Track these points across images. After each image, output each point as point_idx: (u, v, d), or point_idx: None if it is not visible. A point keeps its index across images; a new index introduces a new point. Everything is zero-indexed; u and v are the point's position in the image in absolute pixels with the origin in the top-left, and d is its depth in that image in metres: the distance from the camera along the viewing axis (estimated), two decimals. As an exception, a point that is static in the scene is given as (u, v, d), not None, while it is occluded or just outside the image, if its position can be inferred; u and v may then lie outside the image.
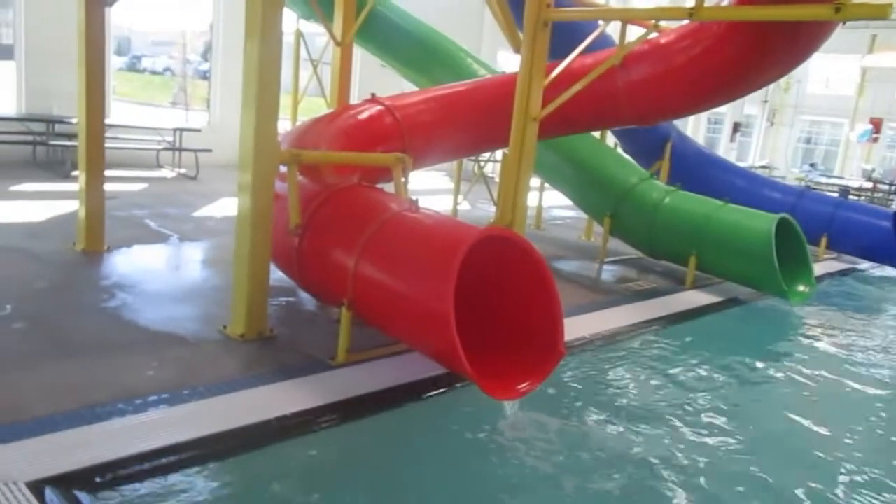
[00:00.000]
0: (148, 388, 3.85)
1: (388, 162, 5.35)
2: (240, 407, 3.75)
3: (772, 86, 25.49)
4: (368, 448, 3.77)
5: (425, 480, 3.53)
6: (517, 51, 6.06)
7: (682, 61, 6.49)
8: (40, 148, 10.28)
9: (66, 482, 2.98)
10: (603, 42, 7.60)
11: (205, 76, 17.16)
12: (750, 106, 25.26)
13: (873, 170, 21.43)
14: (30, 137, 9.94)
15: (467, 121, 7.09)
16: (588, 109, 6.92)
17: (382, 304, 4.31)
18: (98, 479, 3.03)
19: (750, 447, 4.32)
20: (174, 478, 3.14)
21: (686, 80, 6.54)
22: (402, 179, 5.37)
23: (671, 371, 5.42)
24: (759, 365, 5.89)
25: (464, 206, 10.75)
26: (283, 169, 4.97)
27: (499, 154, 11.27)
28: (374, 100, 6.82)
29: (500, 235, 4.27)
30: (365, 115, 6.63)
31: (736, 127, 23.32)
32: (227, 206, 8.77)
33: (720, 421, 4.63)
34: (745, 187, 10.58)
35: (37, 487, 2.89)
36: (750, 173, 11.85)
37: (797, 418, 4.89)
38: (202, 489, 3.14)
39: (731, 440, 4.38)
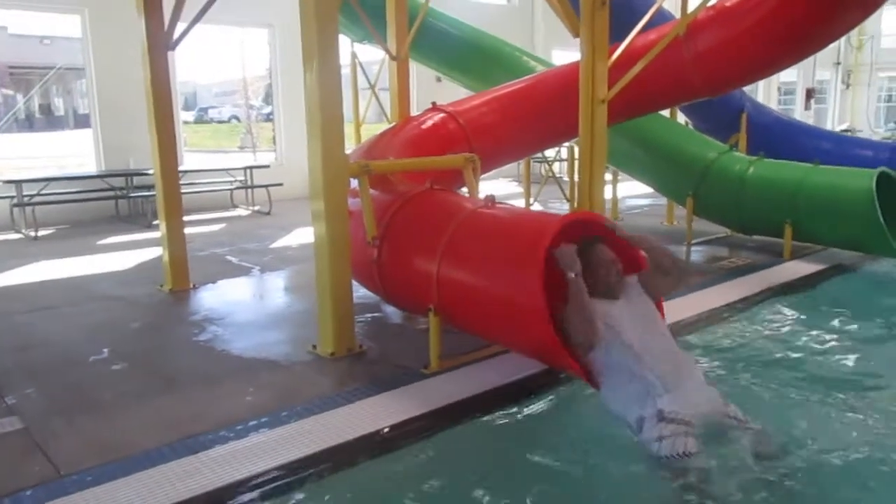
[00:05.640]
0: (247, 413, 3.82)
1: (458, 163, 5.25)
2: (340, 423, 3.67)
3: (843, 46, 24.30)
4: (476, 451, 3.61)
5: (542, 478, 3.34)
6: (576, 34, 5.87)
7: (751, 22, 6.15)
8: (122, 201, 10.72)
9: (180, 512, 2.96)
10: (661, 19, 7.35)
11: (268, 118, 17.63)
12: (822, 70, 24.05)
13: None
14: (111, 193, 10.37)
15: (532, 115, 6.92)
16: (656, 86, 6.64)
17: (471, 305, 4.17)
18: (209, 507, 2.99)
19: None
20: (283, 497, 3.07)
21: (758, 42, 6.20)
22: (473, 181, 5.26)
23: (784, 346, 5.04)
24: (880, 333, 5.44)
25: (536, 207, 10.54)
26: (353, 184, 4.93)
27: (565, 153, 11.07)
28: (435, 108, 6.77)
29: (583, 219, 4.08)
30: (428, 123, 6.57)
31: (810, 93, 22.15)
32: (302, 236, 8.86)
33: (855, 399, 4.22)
34: (833, 149, 9.94)
35: (151, 519, 2.88)
36: (836, 135, 11.22)
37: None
38: (312, 507, 3.06)
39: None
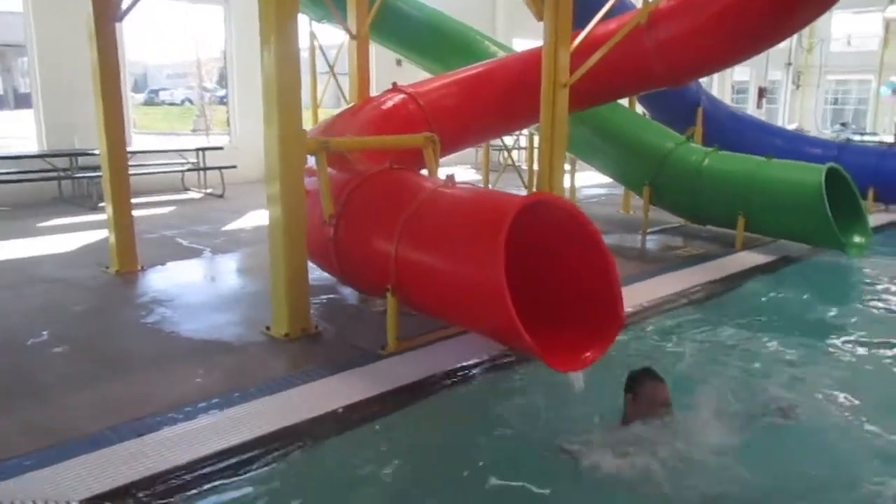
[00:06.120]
0: (197, 395, 3.68)
1: (418, 143, 5.15)
2: (294, 404, 3.57)
3: (794, 47, 24.86)
4: (432, 431, 3.56)
5: (496, 457, 3.29)
6: (540, 18, 5.81)
7: (714, 11, 6.16)
8: (66, 183, 10.24)
9: (123, 496, 2.81)
10: (622, 8, 7.35)
11: (222, 101, 17.20)
12: (773, 70, 24.60)
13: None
14: (54, 173, 9.92)
15: (493, 99, 6.86)
16: (618, 74, 6.63)
17: (430, 285, 4.08)
18: (154, 489, 2.85)
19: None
20: (232, 479, 2.96)
21: (720, 31, 6.20)
22: (434, 161, 5.17)
23: (731, 334, 5.10)
24: (827, 322, 5.60)
25: (494, 195, 10.49)
26: (311, 162, 4.80)
27: (524, 141, 11.06)
28: (395, 89, 6.65)
29: (545, 201, 4.02)
30: (388, 104, 6.46)
31: (762, 92, 22.62)
32: (256, 219, 8.65)
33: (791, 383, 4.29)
34: (784, 146, 10.14)
35: None
36: (787, 132, 11.45)
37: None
38: (262, 488, 2.96)
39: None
